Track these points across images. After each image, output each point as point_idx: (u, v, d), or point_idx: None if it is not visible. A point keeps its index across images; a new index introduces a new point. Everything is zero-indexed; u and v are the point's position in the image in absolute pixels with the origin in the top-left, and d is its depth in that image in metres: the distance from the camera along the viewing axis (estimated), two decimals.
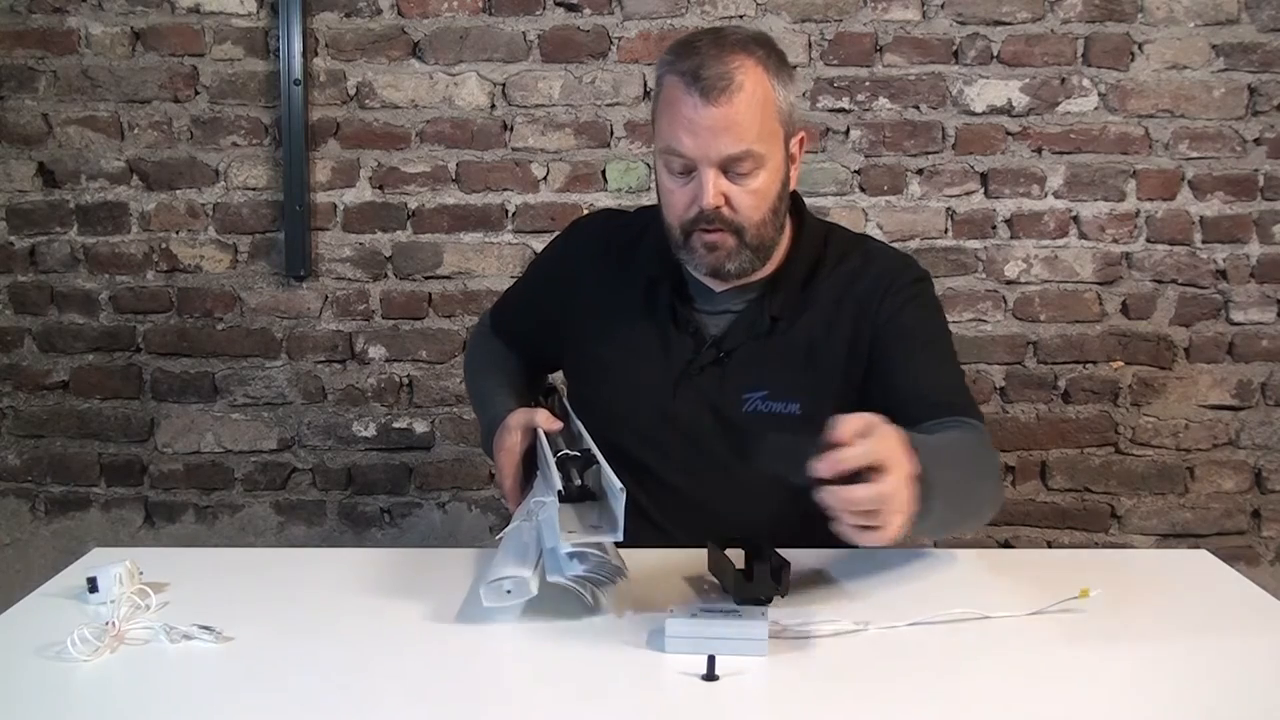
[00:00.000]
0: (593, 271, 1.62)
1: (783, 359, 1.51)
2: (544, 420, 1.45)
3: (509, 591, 1.21)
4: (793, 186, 1.53)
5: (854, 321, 1.52)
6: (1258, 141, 2.53)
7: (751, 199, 1.44)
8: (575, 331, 1.63)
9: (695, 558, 1.34)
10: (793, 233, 1.56)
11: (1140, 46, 2.51)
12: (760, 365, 1.52)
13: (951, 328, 2.50)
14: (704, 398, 1.52)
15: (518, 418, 1.48)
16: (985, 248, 2.56)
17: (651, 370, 1.55)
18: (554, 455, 1.29)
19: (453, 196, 2.57)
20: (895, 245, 2.53)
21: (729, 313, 1.54)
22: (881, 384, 1.50)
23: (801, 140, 1.53)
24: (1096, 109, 2.52)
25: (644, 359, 1.55)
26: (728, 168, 1.43)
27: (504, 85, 2.54)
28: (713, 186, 1.42)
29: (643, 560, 1.36)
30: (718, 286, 1.53)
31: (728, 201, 1.44)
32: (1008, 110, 2.53)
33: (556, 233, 1.82)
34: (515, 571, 1.21)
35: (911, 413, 1.37)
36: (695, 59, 1.42)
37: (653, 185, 2.52)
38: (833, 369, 1.51)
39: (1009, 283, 2.57)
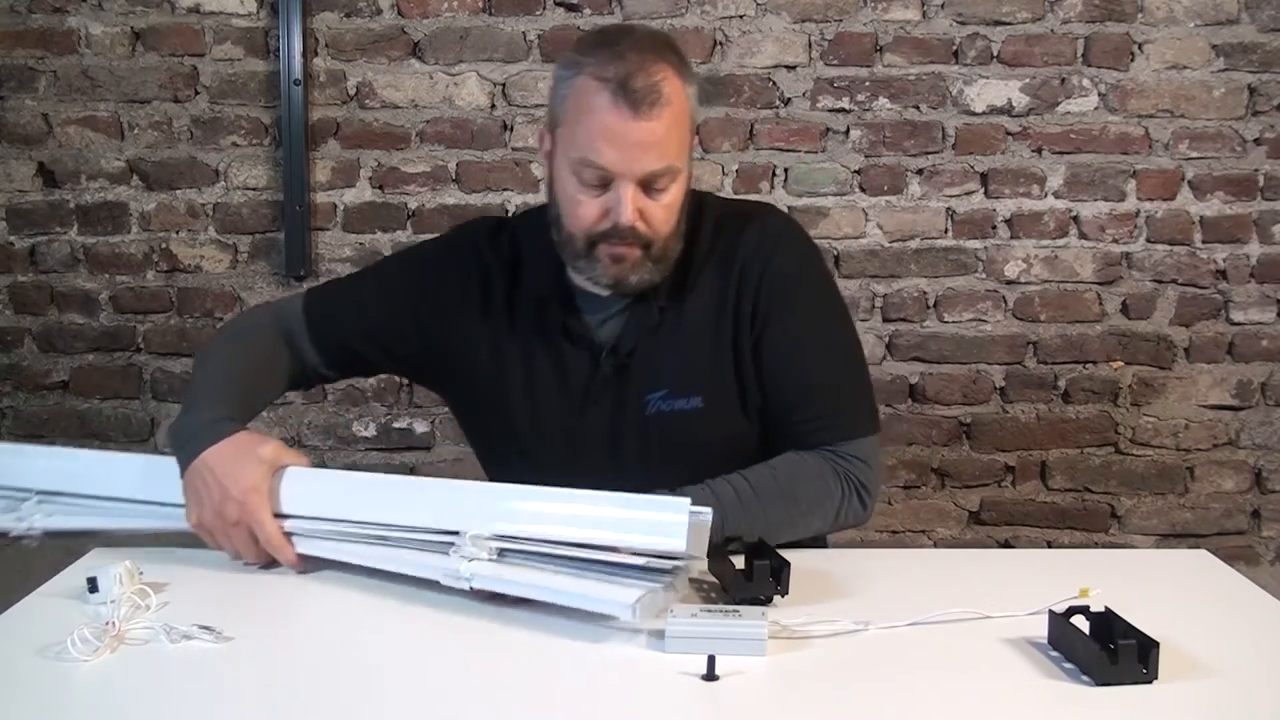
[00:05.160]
0: (480, 300, 1.51)
1: (679, 351, 1.45)
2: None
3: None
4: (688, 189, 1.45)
5: (736, 300, 1.46)
6: (1258, 141, 2.53)
7: (664, 213, 1.39)
8: (457, 359, 1.52)
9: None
10: None
11: (1140, 46, 2.51)
12: (659, 362, 1.45)
13: (951, 327, 2.54)
14: (609, 409, 1.46)
15: (272, 453, 1.34)
16: (985, 248, 2.56)
17: (553, 392, 1.47)
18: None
19: (453, 196, 2.57)
20: (894, 245, 2.55)
21: (618, 315, 1.47)
22: (761, 384, 1.47)
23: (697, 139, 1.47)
24: (1096, 109, 2.52)
25: (544, 382, 1.48)
26: (647, 183, 1.36)
27: (504, 85, 2.54)
28: (632, 203, 1.35)
29: None
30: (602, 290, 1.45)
31: (642, 216, 1.37)
32: (1008, 110, 2.53)
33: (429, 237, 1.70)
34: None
35: (780, 423, 1.47)
36: (620, 66, 1.33)
37: None
38: (727, 351, 1.46)
39: (1009, 283, 2.57)
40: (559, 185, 1.41)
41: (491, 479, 1.56)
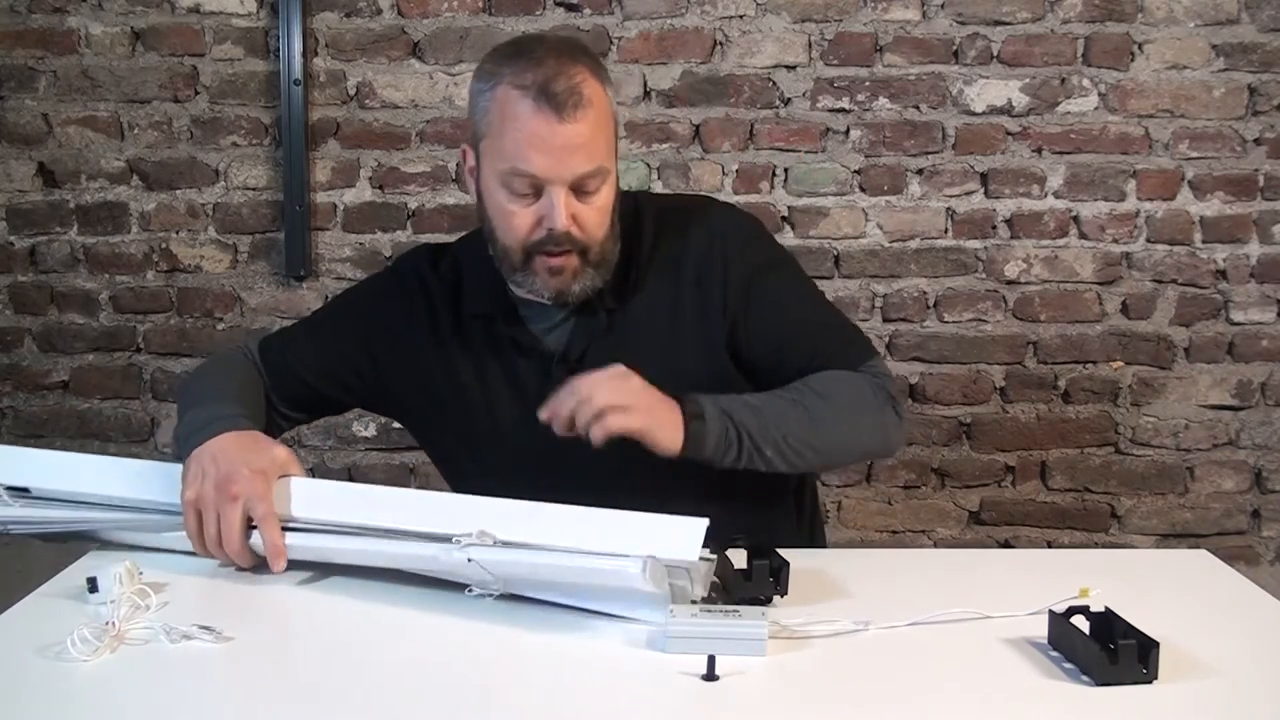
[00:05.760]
0: (428, 327, 1.51)
1: (630, 352, 1.43)
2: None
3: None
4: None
5: (698, 291, 1.46)
6: (1258, 141, 2.53)
7: (597, 216, 1.39)
8: (413, 388, 1.53)
9: None
10: None
11: (1140, 46, 2.51)
12: (610, 363, 1.40)
13: (951, 328, 2.54)
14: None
15: (285, 456, 1.35)
16: (985, 248, 2.56)
17: (510, 406, 1.47)
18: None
19: (453, 196, 2.57)
20: (894, 245, 2.55)
21: (564, 322, 1.47)
22: (753, 357, 1.47)
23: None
24: (1096, 109, 2.52)
25: (500, 397, 1.48)
26: (578, 186, 1.36)
27: None
28: (565, 208, 1.35)
29: None
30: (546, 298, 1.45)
31: (575, 221, 1.37)
32: (1008, 110, 2.53)
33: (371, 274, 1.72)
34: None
35: (795, 370, 1.44)
36: (539, 71, 1.33)
37: (653, 184, 2.53)
38: (688, 344, 1.46)
39: (1009, 283, 2.57)
40: (489, 199, 1.41)
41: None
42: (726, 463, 1.34)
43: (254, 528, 1.31)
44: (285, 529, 1.31)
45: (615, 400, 1.28)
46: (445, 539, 1.24)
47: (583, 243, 1.39)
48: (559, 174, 1.35)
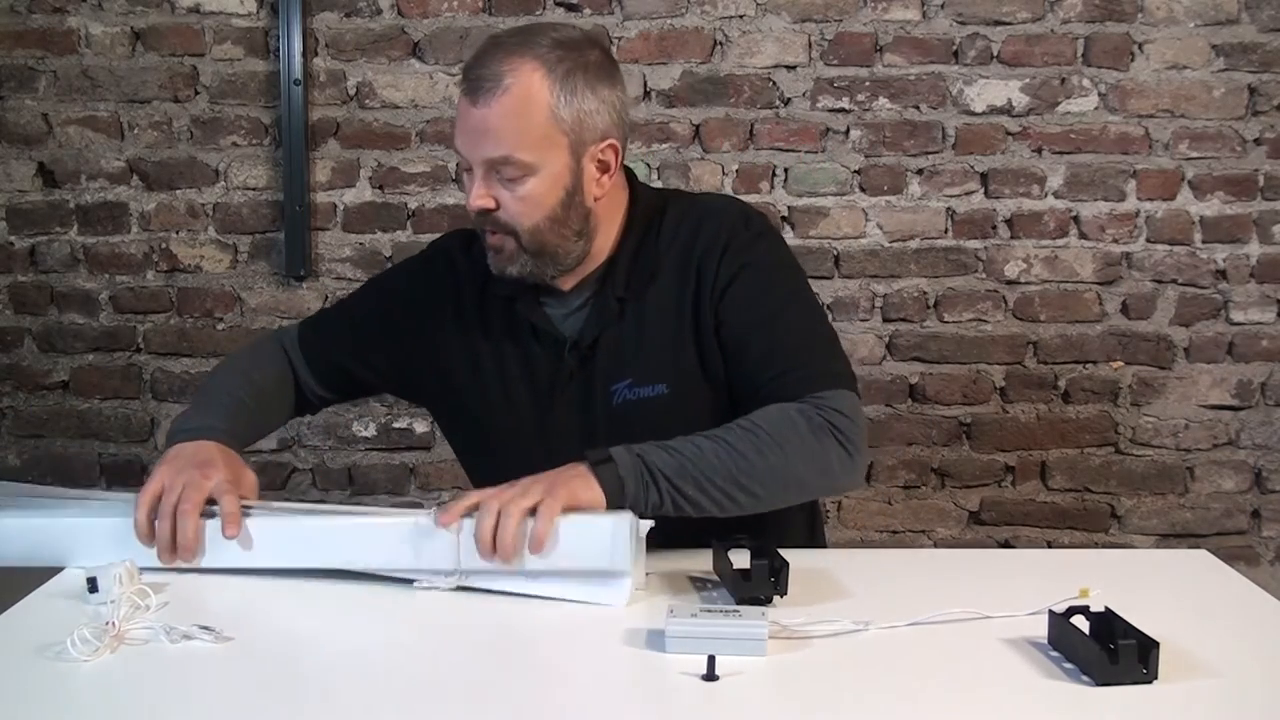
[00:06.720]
0: (452, 308, 1.55)
1: (641, 340, 1.47)
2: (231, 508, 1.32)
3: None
4: (599, 194, 1.44)
5: (696, 286, 1.47)
6: (1258, 141, 2.53)
7: (520, 205, 1.40)
8: (437, 372, 1.55)
9: (696, 558, 1.35)
10: (626, 210, 1.50)
11: (1140, 46, 2.51)
12: (621, 352, 1.47)
13: (951, 328, 2.54)
14: (577, 402, 1.48)
15: (254, 481, 1.39)
16: (985, 248, 2.56)
17: (524, 390, 1.51)
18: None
19: (453, 196, 2.57)
20: (894, 245, 2.55)
21: (581, 308, 1.50)
22: (727, 359, 1.46)
23: (613, 148, 1.43)
24: (1096, 109, 2.52)
25: (515, 380, 1.51)
26: (497, 170, 1.39)
27: None
28: (478, 187, 1.40)
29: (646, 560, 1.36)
30: (565, 285, 1.49)
31: (500, 205, 1.40)
32: (1008, 110, 2.53)
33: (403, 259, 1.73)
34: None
35: (750, 388, 1.43)
36: (479, 55, 1.39)
37: (653, 184, 2.53)
38: (689, 339, 1.47)
39: (1009, 283, 2.57)
40: None
41: (474, 481, 1.59)
42: (650, 506, 1.29)
43: (210, 516, 1.32)
44: (245, 508, 1.33)
45: (528, 499, 1.23)
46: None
47: (508, 226, 1.41)
48: (469, 154, 1.40)
